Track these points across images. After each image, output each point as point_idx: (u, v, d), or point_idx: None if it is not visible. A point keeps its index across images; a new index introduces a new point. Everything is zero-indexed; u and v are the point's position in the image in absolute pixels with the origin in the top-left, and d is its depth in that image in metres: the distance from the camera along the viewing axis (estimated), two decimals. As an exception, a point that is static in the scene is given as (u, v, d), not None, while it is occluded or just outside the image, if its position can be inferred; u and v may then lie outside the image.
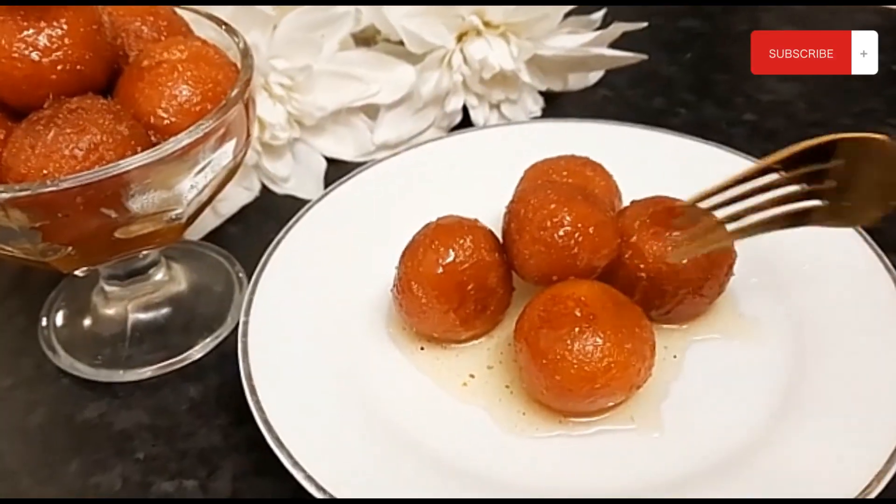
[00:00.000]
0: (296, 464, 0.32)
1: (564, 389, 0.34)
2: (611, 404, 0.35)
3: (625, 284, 0.37)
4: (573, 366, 0.34)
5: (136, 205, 0.33)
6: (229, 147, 0.37)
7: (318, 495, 0.31)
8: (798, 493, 0.31)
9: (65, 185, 0.31)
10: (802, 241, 0.42)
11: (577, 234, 0.36)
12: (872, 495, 0.30)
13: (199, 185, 0.36)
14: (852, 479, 0.31)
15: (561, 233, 0.36)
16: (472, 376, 0.38)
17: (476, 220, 0.39)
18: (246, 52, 0.39)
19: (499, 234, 0.39)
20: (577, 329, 0.34)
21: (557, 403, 0.36)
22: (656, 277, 0.38)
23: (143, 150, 0.33)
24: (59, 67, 0.33)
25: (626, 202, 0.42)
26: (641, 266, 0.38)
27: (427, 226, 0.39)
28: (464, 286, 0.37)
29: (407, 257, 0.38)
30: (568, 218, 0.36)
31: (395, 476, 0.33)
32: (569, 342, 0.34)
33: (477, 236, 0.38)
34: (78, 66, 0.34)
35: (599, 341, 0.34)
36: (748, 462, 0.33)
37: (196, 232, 0.49)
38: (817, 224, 0.35)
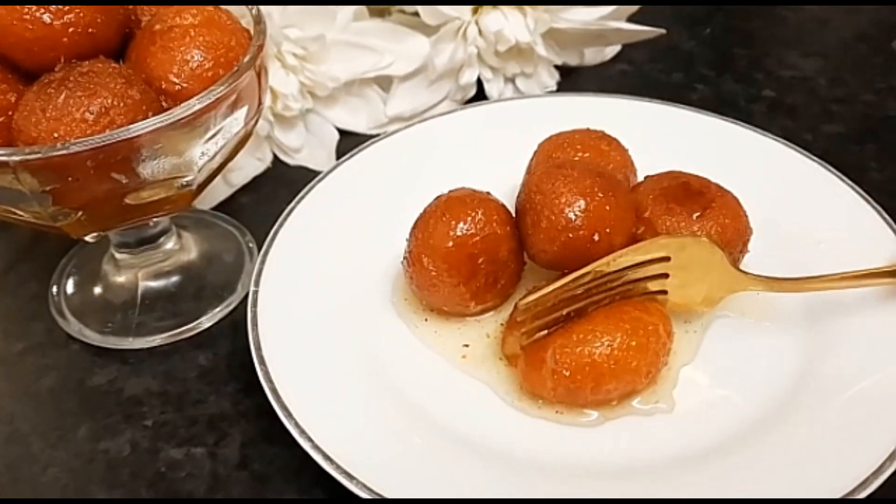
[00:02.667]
0: (303, 433, 0.32)
1: (568, 391, 0.34)
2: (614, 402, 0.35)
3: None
4: (574, 371, 0.33)
5: (147, 170, 0.33)
6: (241, 114, 0.37)
7: (324, 464, 0.31)
8: (804, 475, 0.31)
9: (75, 148, 0.31)
10: (821, 220, 0.42)
11: (594, 236, 0.35)
12: (887, 474, 0.30)
13: (210, 151, 0.36)
14: (861, 461, 0.31)
15: (578, 234, 0.35)
16: (465, 346, 0.38)
17: (488, 193, 0.39)
18: (259, 19, 0.38)
19: (511, 208, 0.39)
20: (581, 335, 0.34)
21: (557, 400, 0.35)
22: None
23: (154, 115, 0.33)
24: (70, 30, 0.33)
25: (640, 177, 0.42)
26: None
27: (438, 198, 0.38)
28: (474, 259, 0.37)
29: (418, 229, 0.38)
30: (585, 220, 0.35)
31: (400, 444, 0.33)
32: (569, 347, 0.33)
33: (489, 209, 0.38)
34: (90, 29, 0.34)
35: (606, 344, 0.33)
36: (757, 440, 0.33)
37: (207, 201, 0.49)
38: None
